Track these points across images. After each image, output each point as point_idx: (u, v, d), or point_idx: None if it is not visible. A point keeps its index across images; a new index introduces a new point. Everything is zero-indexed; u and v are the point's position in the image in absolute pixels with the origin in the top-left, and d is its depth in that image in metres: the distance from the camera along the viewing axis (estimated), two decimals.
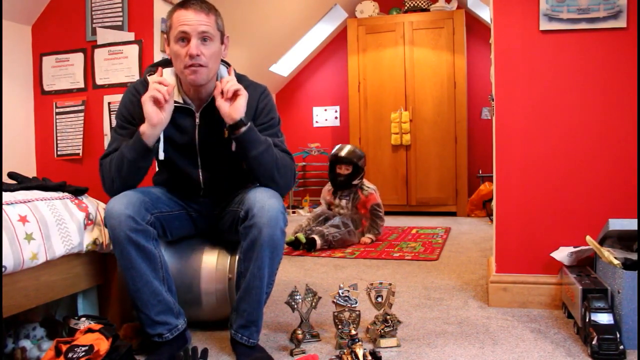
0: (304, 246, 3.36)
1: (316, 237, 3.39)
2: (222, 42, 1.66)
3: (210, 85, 1.67)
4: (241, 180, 1.80)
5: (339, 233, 3.46)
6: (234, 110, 1.58)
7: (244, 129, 1.59)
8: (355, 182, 3.71)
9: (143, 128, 1.58)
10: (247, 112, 1.70)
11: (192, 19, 1.55)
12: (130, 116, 1.69)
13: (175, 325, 1.62)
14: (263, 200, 1.55)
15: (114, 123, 1.79)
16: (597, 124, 1.99)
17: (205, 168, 1.75)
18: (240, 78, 1.75)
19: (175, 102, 1.65)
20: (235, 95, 1.59)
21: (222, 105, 1.59)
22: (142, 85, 1.69)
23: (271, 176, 1.65)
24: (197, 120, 1.69)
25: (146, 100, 1.57)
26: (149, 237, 1.56)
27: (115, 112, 2.44)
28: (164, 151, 1.68)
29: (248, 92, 1.71)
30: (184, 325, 1.65)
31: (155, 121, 1.57)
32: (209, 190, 1.78)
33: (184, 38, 1.57)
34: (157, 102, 1.57)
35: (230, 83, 1.60)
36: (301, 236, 3.37)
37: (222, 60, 1.73)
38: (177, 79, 1.68)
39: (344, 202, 3.74)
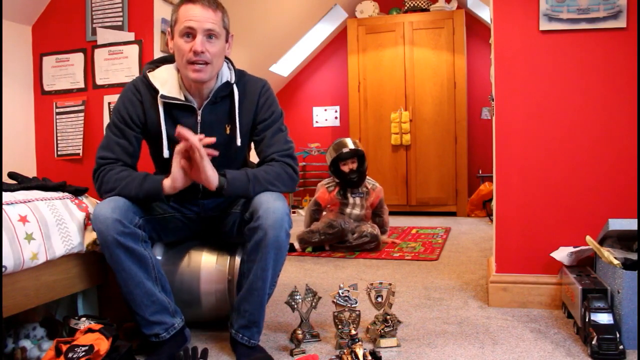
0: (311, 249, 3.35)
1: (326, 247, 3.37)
2: (226, 41, 1.65)
3: (212, 83, 1.66)
4: None
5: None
6: (209, 181, 1.53)
7: (225, 185, 1.56)
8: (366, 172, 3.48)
9: (166, 185, 1.55)
10: (248, 108, 1.70)
11: (199, 15, 1.54)
12: (129, 117, 1.65)
13: (172, 324, 1.61)
14: (268, 203, 1.54)
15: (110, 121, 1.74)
16: (597, 124, 1.99)
17: None
18: (241, 74, 1.74)
19: (177, 99, 1.64)
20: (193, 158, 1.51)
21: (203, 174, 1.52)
22: (142, 84, 1.67)
23: (268, 191, 1.62)
24: (199, 117, 1.68)
25: (176, 159, 1.52)
26: (137, 239, 1.54)
27: None
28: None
29: (248, 88, 1.71)
30: (181, 324, 1.64)
31: (179, 185, 1.55)
32: (209, 192, 1.78)
33: (190, 34, 1.55)
34: (186, 164, 1.53)
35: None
36: (310, 249, 3.35)
37: (225, 57, 1.72)
38: (178, 74, 1.67)
39: (358, 199, 3.46)
